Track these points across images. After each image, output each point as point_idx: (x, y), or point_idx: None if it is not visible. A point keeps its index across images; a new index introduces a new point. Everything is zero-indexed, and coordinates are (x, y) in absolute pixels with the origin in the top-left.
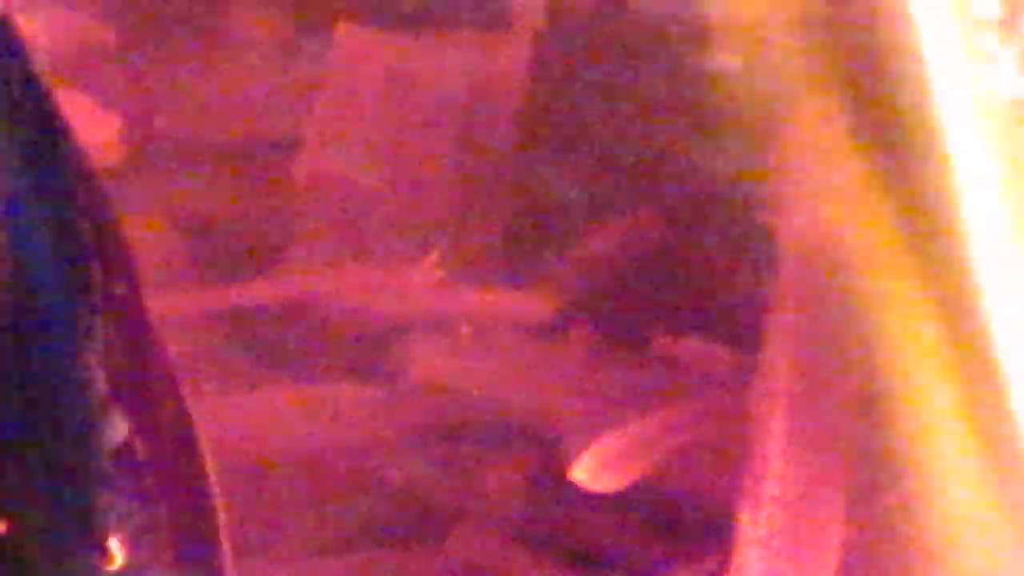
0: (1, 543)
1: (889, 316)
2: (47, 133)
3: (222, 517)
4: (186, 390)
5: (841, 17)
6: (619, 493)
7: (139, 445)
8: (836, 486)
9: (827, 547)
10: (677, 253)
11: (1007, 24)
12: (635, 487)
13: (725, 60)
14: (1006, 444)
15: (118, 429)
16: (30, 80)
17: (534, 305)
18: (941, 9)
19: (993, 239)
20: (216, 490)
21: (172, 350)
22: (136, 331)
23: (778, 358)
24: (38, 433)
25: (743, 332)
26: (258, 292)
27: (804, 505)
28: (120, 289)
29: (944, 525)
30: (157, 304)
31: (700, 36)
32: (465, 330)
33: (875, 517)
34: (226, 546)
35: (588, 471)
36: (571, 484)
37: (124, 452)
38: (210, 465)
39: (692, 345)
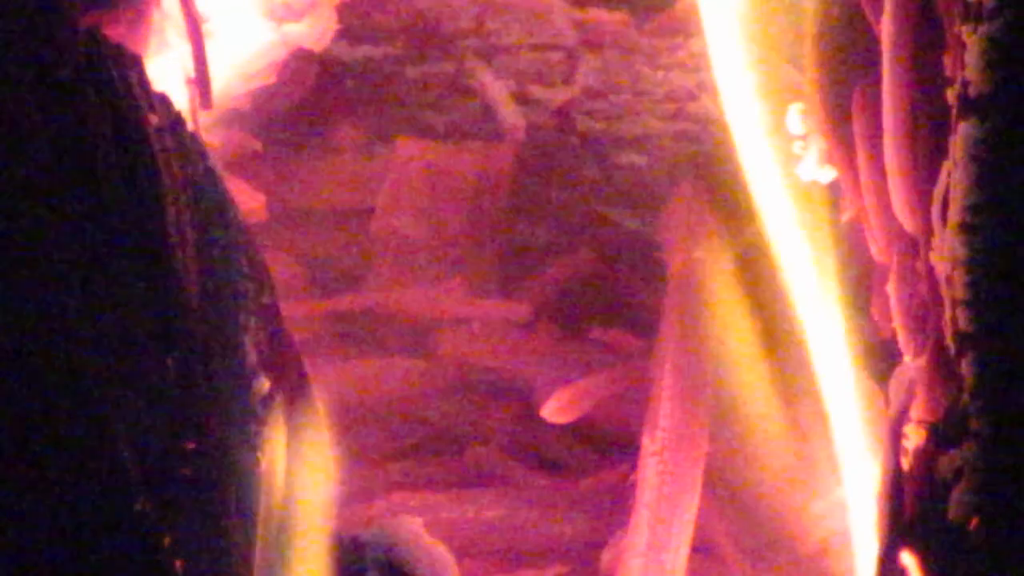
0: (192, 454)
1: (731, 316)
2: (219, 204)
3: (330, 438)
4: (306, 362)
5: (705, 133)
6: (569, 424)
7: (277, 395)
8: (702, 421)
9: (697, 459)
10: (605, 278)
11: (807, 138)
12: (579, 421)
13: (634, 158)
14: (806, 396)
15: (264, 385)
16: (209, 171)
17: (517, 309)
18: (765, 126)
19: (797, 269)
20: (326, 422)
21: (296, 337)
22: (274, 325)
23: (666, 342)
24: (216, 387)
25: (645, 328)
26: (347, 302)
27: (682, 432)
28: (265, 299)
29: (771, 447)
30: (287, 309)
31: (619, 143)
32: (475, 325)
33: (725, 441)
34: (334, 456)
35: (551, 411)
36: (541, 419)
37: (268, 399)
38: (321, 407)
39: (614, 334)
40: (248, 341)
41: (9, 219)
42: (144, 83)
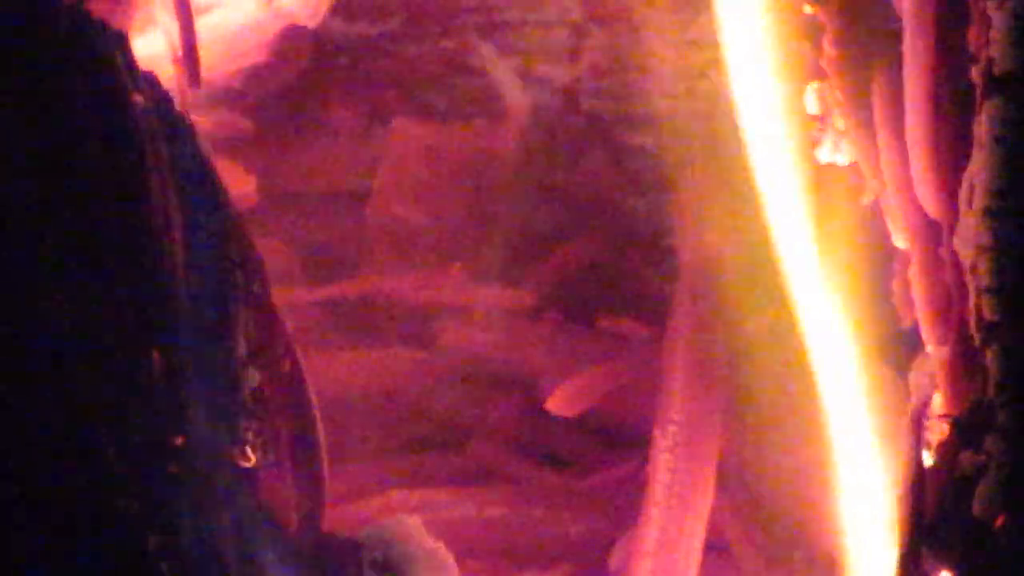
0: (179, 450)
1: (746, 307)
2: (208, 188)
3: (321, 434)
4: (298, 353)
5: (717, 113)
6: (576, 417)
7: (267, 389)
8: (713, 414)
9: (710, 454)
10: (613, 265)
11: (825, 119)
12: (586, 413)
13: (643, 139)
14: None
15: (253, 378)
16: (198, 154)
17: (520, 298)
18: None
19: (805, 252)
20: (317, 416)
21: (289, 326)
22: (265, 314)
23: (677, 333)
24: (205, 379)
25: (655, 316)
26: (343, 290)
27: (694, 426)
28: (255, 288)
29: (787, 441)
30: (279, 297)
31: (627, 124)
32: (477, 313)
33: (737, 434)
34: (324, 453)
35: (557, 404)
36: (546, 412)
37: (258, 393)
38: (314, 400)
39: (622, 324)
40: (238, 332)
41: None
42: (129, 61)
